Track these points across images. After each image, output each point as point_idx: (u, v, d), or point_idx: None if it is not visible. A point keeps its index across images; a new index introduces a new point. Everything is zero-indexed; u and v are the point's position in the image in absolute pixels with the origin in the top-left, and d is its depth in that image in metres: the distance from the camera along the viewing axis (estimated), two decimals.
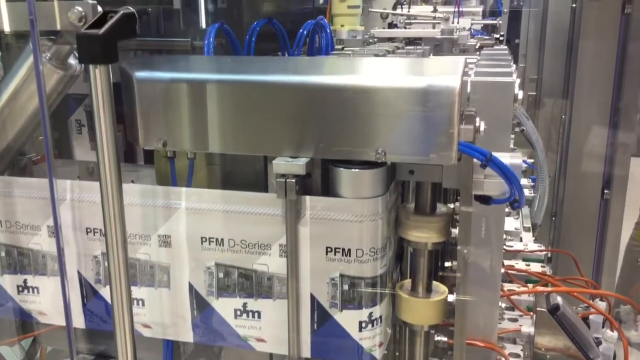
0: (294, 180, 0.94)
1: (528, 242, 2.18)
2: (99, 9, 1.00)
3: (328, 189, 0.98)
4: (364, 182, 0.95)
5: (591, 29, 2.24)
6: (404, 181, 1.10)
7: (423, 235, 1.01)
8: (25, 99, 1.05)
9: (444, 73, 0.93)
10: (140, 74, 0.98)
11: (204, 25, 1.69)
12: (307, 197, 0.96)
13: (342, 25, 2.87)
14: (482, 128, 0.98)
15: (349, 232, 0.95)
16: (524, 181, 2.78)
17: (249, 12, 1.78)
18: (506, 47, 2.17)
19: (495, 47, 2.60)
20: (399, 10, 3.34)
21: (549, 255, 2.04)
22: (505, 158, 1.00)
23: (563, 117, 3.08)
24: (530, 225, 2.49)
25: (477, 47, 2.66)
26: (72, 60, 1.08)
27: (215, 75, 0.99)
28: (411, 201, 1.09)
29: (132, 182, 1.24)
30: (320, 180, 0.99)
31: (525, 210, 2.69)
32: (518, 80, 1.48)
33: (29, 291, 1.17)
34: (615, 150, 2.21)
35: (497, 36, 2.93)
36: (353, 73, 1.01)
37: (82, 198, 1.07)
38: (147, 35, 1.69)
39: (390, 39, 2.98)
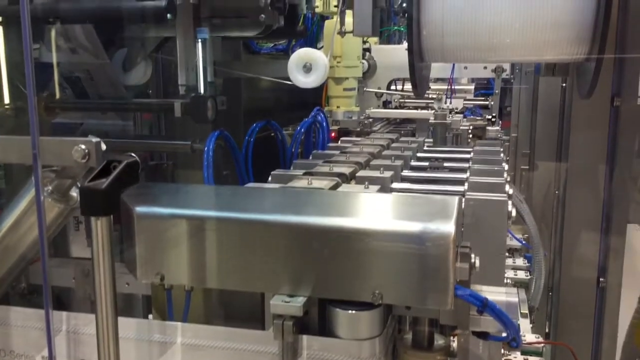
0: (291, 323, 0.94)
1: (526, 333, 2.16)
2: (103, 146, 1.02)
3: (325, 326, 0.98)
4: (361, 324, 0.95)
5: (581, 122, 2.30)
6: None
7: None
8: (24, 231, 1.06)
9: (439, 216, 0.94)
10: (141, 209, 0.99)
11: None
12: (305, 337, 0.96)
13: (338, 107, 2.94)
14: (477, 264, 1.00)
15: None
16: (519, 262, 2.77)
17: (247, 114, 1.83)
18: (499, 140, 2.21)
19: (487, 138, 2.67)
20: (392, 89, 3.43)
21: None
22: (501, 295, 1.01)
23: (557, 192, 3.11)
24: (527, 311, 2.47)
25: (469, 130, 2.73)
26: (74, 193, 1.10)
27: (213, 212, 1.00)
28: (408, 331, 1.09)
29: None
30: (317, 318, 1.00)
31: (522, 294, 2.67)
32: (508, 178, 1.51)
33: None
34: (609, 241, 2.23)
35: (490, 117, 2.99)
36: (349, 214, 1.03)
37: (77, 330, 1.06)
38: (150, 138, 1.73)
39: (387, 120, 3.05)
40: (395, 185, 1.52)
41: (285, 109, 3.10)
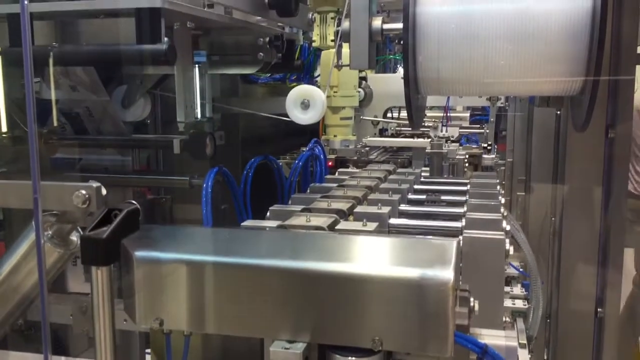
0: None
1: None
2: (103, 191, 1.03)
3: None
4: None
5: (576, 151, 2.32)
6: None
7: None
8: (24, 275, 1.06)
9: (438, 261, 0.95)
10: (140, 254, 1.00)
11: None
12: None
13: (335, 136, 2.97)
14: (476, 308, 1.00)
15: None
16: (516, 290, 2.77)
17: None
18: (494, 173, 2.23)
19: (483, 166, 2.69)
20: (389, 117, 3.46)
21: None
22: (500, 339, 1.02)
23: (553, 219, 3.12)
24: (525, 341, 2.47)
25: (465, 159, 2.75)
26: (73, 237, 1.10)
27: (212, 257, 1.01)
28: None
29: None
30: None
31: (520, 323, 2.67)
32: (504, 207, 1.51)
33: None
34: (607, 274, 2.23)
35: (485, 145, 3.02)
36: (348, 259, 1.03)
37: None
38: (148, 174, 1.74)
39: (384, 148, 3.07)
40: (392, 221, 1.53)
41: (282, 137, 3.12)
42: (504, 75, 1.85)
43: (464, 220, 1.46)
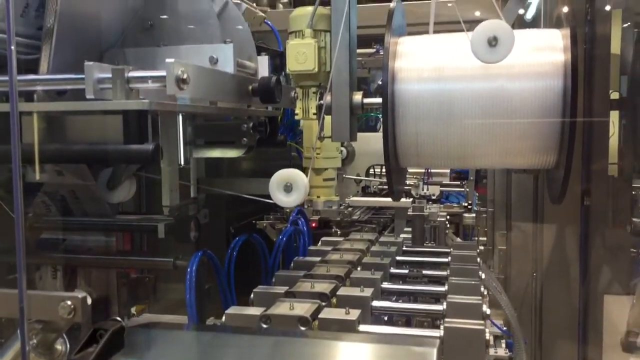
0: None
1: None
2: (89, 300, 1.04)
3: None
4: None
5: (553, 217, 2.39)
6: None
7: None
8: None
9: None
10: None
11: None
12: None
13: (318, 197, 3.00)
14: None
15: None
16: (500, 352, 2.78)
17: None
18: (474, 243, 2.27)
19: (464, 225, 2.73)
20: (371, 173, 3.51)
21: None
22: None
23: (534, 274, 3.16)
24: None
25: (446, 220, 2.79)
26: (58, 346, 1.11)
27: None
28: None
29: None
30: None
31: None
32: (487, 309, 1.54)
33: None
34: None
35: (466, 204, 3.07)
36: None
37: None
38: (132, 254, 1.75)
39: (368, 209, 3.11)
40: (375, 304, 1.55)
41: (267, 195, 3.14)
42: (480, 151, 1.91)
43: (445, 303, 1.49)
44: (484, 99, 1.82)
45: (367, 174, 3.40)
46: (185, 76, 1.22)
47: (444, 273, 1.82)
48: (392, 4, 1.90)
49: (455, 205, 3.08)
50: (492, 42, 1.51)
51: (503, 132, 1.87)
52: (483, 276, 1.80)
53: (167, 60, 1.20)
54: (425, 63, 1.90)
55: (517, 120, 1.84)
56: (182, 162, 1.60)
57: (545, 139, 1.83)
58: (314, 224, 2.89)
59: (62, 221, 1.69)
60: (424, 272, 1.86)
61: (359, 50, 2.06)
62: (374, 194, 3.31)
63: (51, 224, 1.68)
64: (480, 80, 1.82)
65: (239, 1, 2.27)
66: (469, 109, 1.84)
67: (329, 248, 2.03)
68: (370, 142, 3.33)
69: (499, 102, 1.82)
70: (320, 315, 1.40)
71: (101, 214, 1.69)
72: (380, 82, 3.86)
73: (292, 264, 1.88)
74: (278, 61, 2.92)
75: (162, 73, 1.21)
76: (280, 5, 3.76)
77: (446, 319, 1.37)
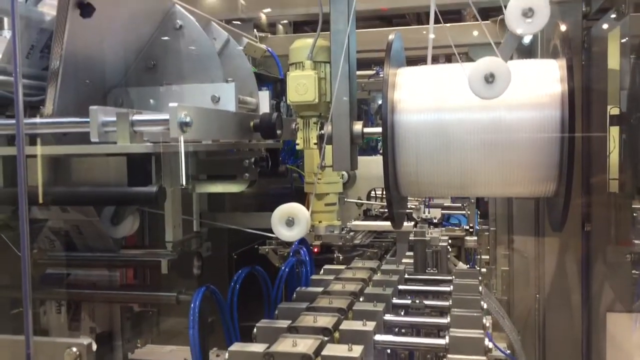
0: None
1: None
2: (94, 346, 1.06)
3: None
4: None
5: (554, 245, 2.40)
6: None
7: None
8: None
9: None
10: None
11: None
12: None
13: (320, 222, 3.01)
14: None
15: None
16: None
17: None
18: (476, 271, 2.28)
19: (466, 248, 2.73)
20: (372, 196, 3.53)
21: None
22: None
23: (537, 295, 3.16)
24: None
25: (448, 245, 2.80)
26: None
27: None
28: None
29: None
30: None
31: None
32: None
33: None
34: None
35: (467, 227, 3.08)
36: None
37: None
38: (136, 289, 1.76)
39: (370, 232, 3.12)
40: (378, 337, 1.56)
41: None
42: (480, 180, 1.92)
43: (447, 337, 1.50)
44: (482, 129, 1.84)
45: (369, 197, 3.41)
46: (188, 119, 1.24)
47: (447, 303, 1.83)
48: (390, 36, 1.93)
49: (457, 228, 3.09)
50: (489, 78, 1.53)
51: (502, 162, 1.88)
52: (485, 306, 1.81)
53: (171, 104, 1.22)
54: (424, 93, 1.92)
55: (516, 151, 1.85)
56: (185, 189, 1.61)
57: (544, 168, 1.84)
58: (315, 249, 2.90)
59: (66, 256, 1.70)
60: (426, 302, 1.87)
61: (358, 72, 2.08)
62: (376, 217, 3.32)
63: (55, 259, 1.70)
64: (478, 111, 1.83)
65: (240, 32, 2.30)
66: (468, 139, 1.86)
67: (331, 277, 2.04)
68: (371, 166, 3.36)
69: (498, 132, 1.83)
70: (324, 352, 1.41)
71: (105, 249, 1.70)
72: (380, 103, 3.90)
73: (294, 295, 1.89)
74: (279, 87, 2.95)
75: (166, 116, 1.23)
76: (280, 27, 3.80)
77: (449, 355, 1.38)
